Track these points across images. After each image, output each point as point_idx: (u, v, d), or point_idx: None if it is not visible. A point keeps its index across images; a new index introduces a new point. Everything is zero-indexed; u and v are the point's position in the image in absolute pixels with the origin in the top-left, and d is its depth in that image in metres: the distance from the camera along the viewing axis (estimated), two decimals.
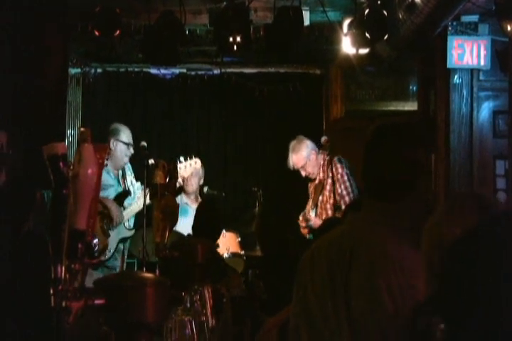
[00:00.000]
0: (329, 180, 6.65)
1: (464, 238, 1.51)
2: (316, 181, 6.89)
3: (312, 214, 6.77)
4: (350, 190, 6.68)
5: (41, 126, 5.37)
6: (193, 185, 7.43)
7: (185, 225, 5.42)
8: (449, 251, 1.53)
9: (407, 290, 2.08)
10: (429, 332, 1.53)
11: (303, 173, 6.90)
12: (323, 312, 2.23)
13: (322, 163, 6.81)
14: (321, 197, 6.80)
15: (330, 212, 6.59)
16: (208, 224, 5.00)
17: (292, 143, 6.93)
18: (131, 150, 6.39)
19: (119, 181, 6.43)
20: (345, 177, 6.69)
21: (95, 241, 2.09)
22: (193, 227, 5.06)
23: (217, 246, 6.44)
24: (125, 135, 6.40)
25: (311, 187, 7.00)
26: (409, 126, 2.34)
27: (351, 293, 2.16)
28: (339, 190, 6.64)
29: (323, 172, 6.74)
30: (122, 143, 6.34)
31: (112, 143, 6.25)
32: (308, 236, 6.51)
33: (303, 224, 6.66)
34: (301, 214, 6.83)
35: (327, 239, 2.38)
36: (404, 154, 2.27)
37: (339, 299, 2.18)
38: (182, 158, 6.50)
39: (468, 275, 1.41)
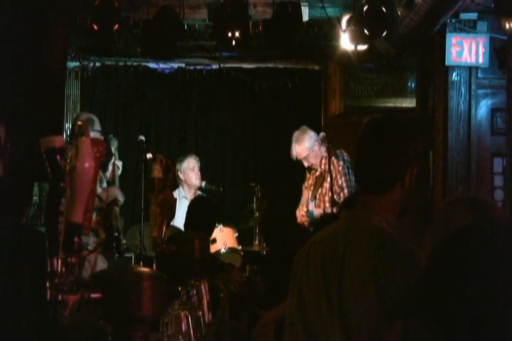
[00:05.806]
0: (329, 173, 6.67)
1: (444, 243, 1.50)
2: (317, 173, 6.90)
3: (311, 206, 6.80)
4: (350, 182, 6.70)
5: (39, 120, 5.36)
6: (191, 179, 7.44)
7: (183, 219, 5.43)
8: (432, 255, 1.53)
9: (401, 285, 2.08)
10: None
11: (305, 164, 6.92)
12: (318, 308, 2.23)
13: (324, 155, 6.82)
14: (320, 190, 6.82)
15: (328, 205, 6.61)
16: (200, 220, 5.01)
17: (296, 134, 6.92)
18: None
19: None
20: (346, 170, 6.71)
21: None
22: (186, 223, 5.08)
23: (215, 241, 6.45)
24: (98, 124, 6.32)
25: (310, 179, 7.01)
26: (402, 120, 2.34)
27: (344, 288, 2.16)
28: (339, 182, 6.67)
29: (325, 164, 6.74)
30: (97, 133, 6.26)
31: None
32: (309, 229, 6.52)
33: (303, 213, 6.70)
34: (299, 206, 6.86)
35: (322, 235, 2.38)
36: (397, 147, 2.27)
37: (332, 295, 2.19)
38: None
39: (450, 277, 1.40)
